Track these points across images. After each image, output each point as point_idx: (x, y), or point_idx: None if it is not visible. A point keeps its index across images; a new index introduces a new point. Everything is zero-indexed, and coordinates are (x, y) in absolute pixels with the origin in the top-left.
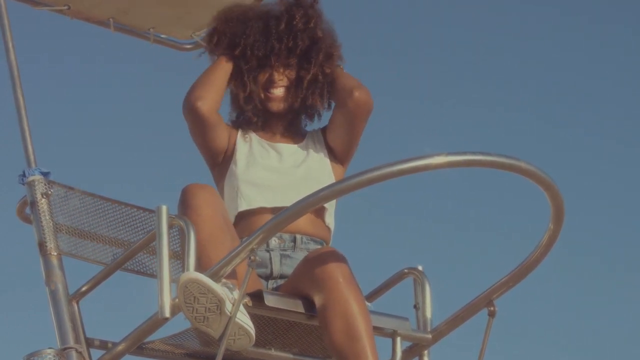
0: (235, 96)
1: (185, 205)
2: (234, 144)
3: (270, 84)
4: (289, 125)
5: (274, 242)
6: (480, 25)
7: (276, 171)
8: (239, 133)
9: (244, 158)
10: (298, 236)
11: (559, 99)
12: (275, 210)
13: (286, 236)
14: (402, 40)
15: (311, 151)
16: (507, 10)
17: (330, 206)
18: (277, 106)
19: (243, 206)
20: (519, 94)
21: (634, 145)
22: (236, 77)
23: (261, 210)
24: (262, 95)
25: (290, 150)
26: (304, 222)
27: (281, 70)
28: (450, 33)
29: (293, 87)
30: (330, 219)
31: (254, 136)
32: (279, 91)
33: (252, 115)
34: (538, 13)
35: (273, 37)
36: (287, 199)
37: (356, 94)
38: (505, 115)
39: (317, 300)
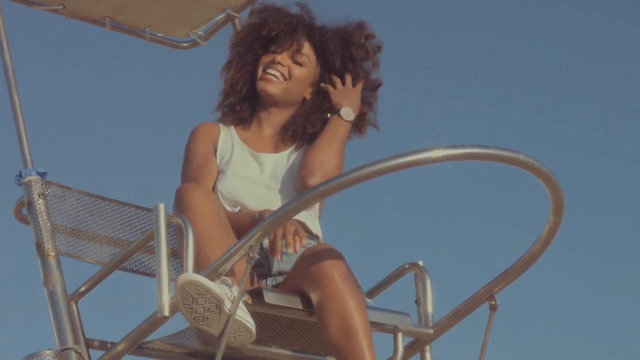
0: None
1: (180, 205)
2: (216, 148)
3: (271, 64)
4: (278, 126)
5: (265, 241)
6: (482, 22)
7: (255, 183)
8: (221, 135)
9: (224, 165)
10: None
11: (560, 94)
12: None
13: None
14: (402, 36)
15: (294, 162)
16: (506, 5)
17: (310, 219)
18: (269, 88)
19: None
20: (520, 90)
21: (635, 140)
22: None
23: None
24: (260, 74)
25: (272, 160)
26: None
27: (289, 60)
28: (451, 30)
29: (298, 85)
30: (314, 228)
31: (236, 140)
32: (277, 73)
33: (238, 103)
34: (537, 9)
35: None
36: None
37: (309, 182)
38: (507, 111)
39: (314, 297)
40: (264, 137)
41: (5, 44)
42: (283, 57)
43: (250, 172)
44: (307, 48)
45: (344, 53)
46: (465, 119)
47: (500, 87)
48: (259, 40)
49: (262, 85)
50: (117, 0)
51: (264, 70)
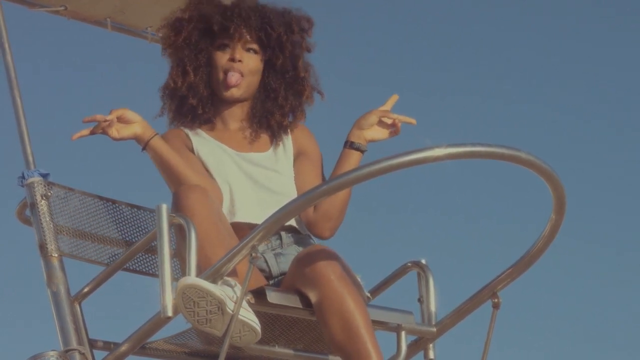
0: (176, 87)
1: (178, 207)
2: (192, 149)
3: (230, 64)
4: (242, 119)
5: (261, 245)
6: (481, 19)
7: (247, 185)
8: (192, 138)
9: (209, 168)
10: (282, 233)
11: (561, 91)
12: (251, 226)
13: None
14: (402, 34)
15: (279, 162)
16: (505, 0)
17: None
18: (234, 92)
19: None
20: (520, 87)
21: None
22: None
23: (236, 225)
24: (221, 77)
25: (259, 158)
26: None
27: (244, 52)
28: (451, 26)
29: (255, 76)
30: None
31: (211, 141)
32: (237, 73)
33: (200, 106)
34: (536, 3)
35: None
36: (260, 215)
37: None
38: (507, 107)
39: (313, 298)
40: (233, 132)
41: (6, 45)
42: (239, 51)
43: (243, 173)
44: (255, 34)
45: (285, 29)
46: (464, 117)
47: (500, 83)
48: (205, 37)
49: (228, 92)
50: (118, 0)
51: (225, 73)
